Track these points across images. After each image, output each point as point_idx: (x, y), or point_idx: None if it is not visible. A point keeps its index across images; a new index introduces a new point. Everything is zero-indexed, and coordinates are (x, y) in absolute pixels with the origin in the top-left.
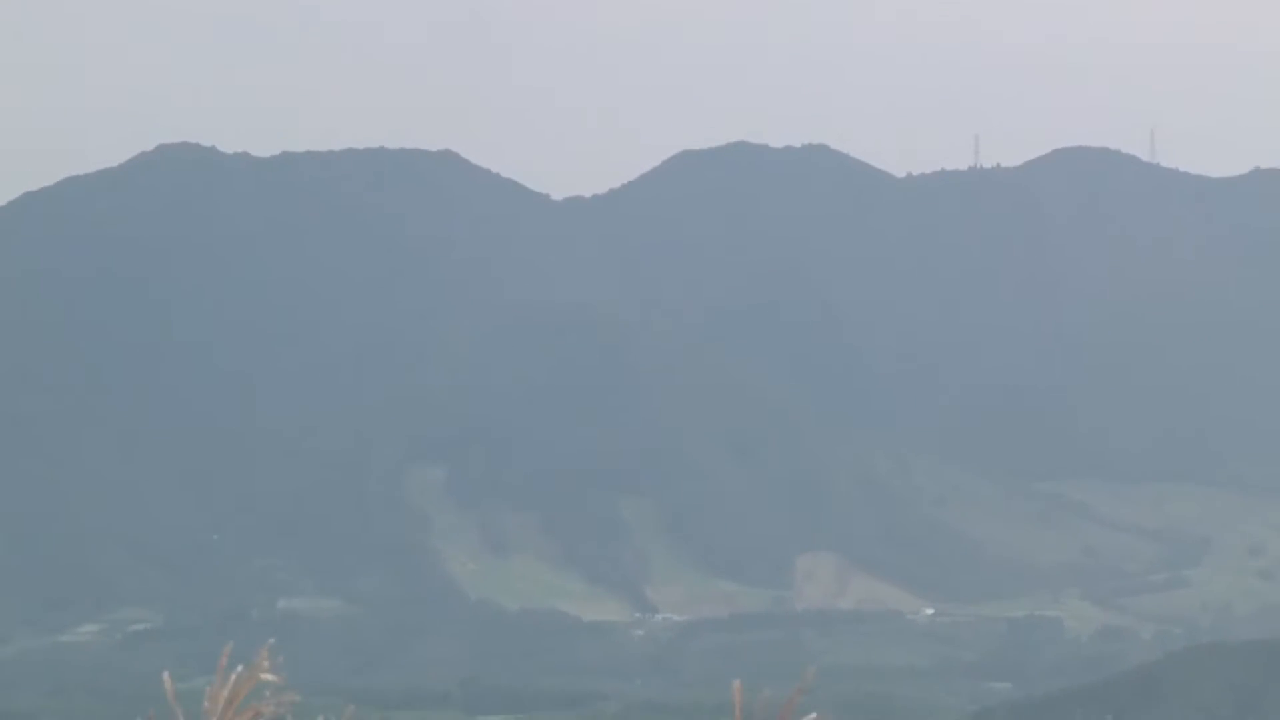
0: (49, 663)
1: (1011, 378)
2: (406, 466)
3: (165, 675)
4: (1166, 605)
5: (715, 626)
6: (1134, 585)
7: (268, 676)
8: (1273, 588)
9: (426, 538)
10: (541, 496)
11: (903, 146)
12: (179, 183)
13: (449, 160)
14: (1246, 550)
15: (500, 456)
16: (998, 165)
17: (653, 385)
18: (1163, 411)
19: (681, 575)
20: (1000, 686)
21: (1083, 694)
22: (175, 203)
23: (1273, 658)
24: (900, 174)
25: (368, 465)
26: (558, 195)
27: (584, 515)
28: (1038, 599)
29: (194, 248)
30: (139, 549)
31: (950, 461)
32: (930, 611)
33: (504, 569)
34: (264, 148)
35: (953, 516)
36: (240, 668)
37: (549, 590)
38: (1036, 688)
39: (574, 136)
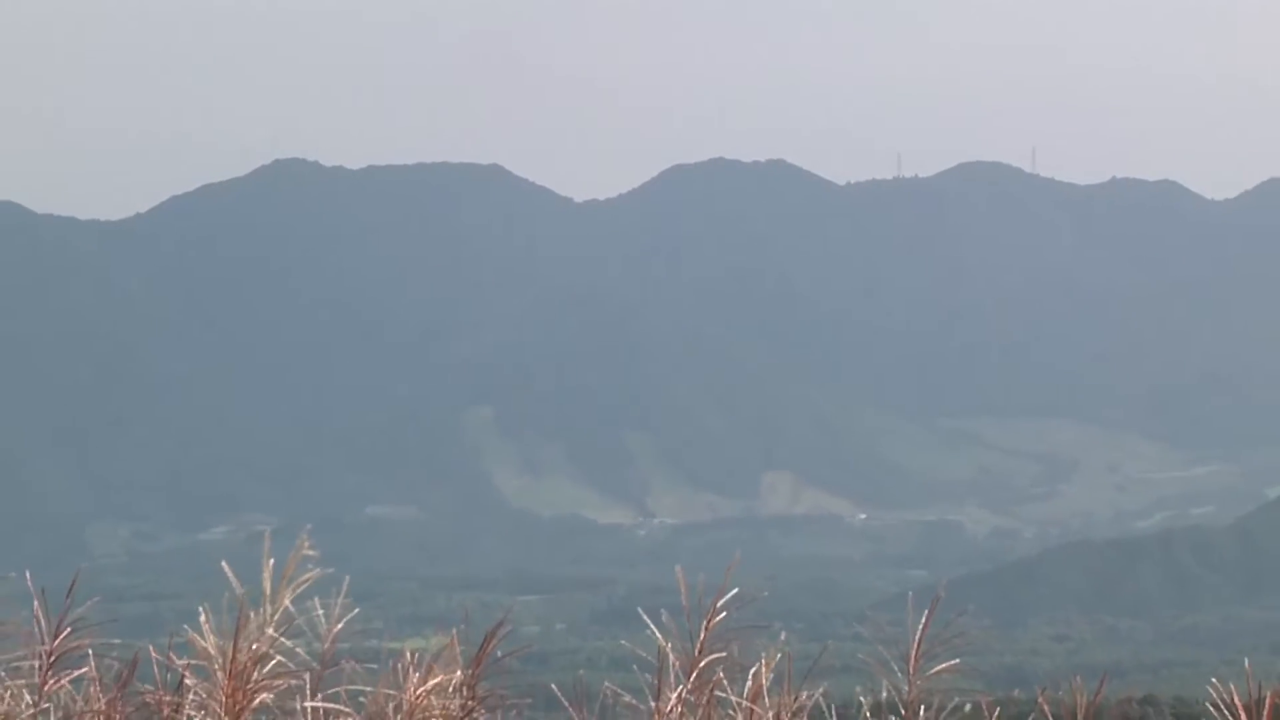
0: (190, 556)
1: (926, 338)
2: (464, 407)
3: (224, 563)
4: (1044, 512)
5: (700, 528)
6: (1019, 497)
7: (309, 552)
8: (1125, 498)
9: (479, 461)
10: (568, 430)
11: (843, 160)
12: (291, 189)
13: (497, 172)
14: (1106, 470)
15: (536, 400)
16: (915, 175)
17: (652, 347)
18: (1042, 363)
19: (674, 489)
20: (916, 573)
21: (979, 579)
22: (288, 205)
23: (1124, 552)
24: (841, 182)
25: (436, 406)
26: (579, 199)
27: (600, 444)
28: (945, 507)
29: (302, 241)
30: (261, 467)
31: (879, 402)
32: (863, 516)
33: (539, 485)
34: (355, 162)
35: (881, 444)
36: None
37: (573, 501)
38: (944, 574)
39: (590, 152)
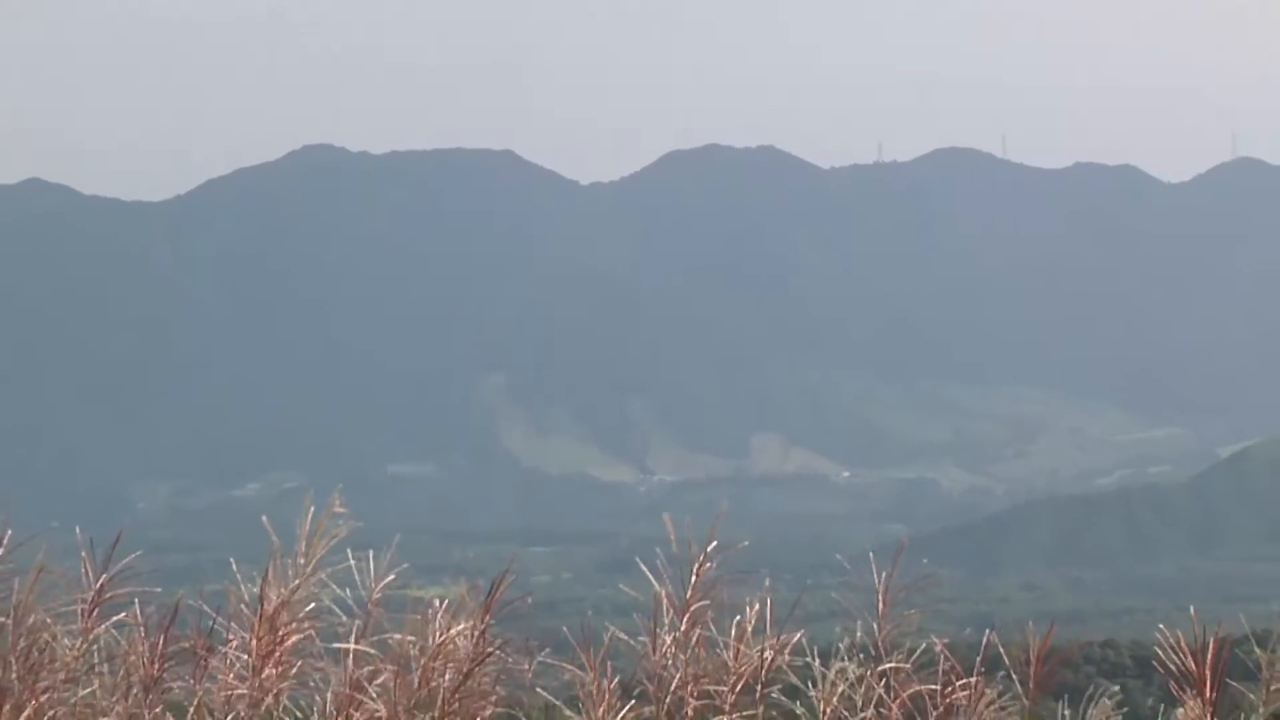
0: (226, 511)
1: (905, 311)
2: (479, 375)
3: (264, 518)
4: (1014, 471)
5: (695, 486)
6: (991, 457)
7: (340, 510)
8: (1086, 457)
9: (492, 424)
10: (574, 396)
11: (828, 147)
12: (319, 173)
13: (508, 157)
14: (1070, 432)
15: (545, 368)
16: (894, 161)
17: (652, 318)
18: (1011, 334)
19: (672, 449)
20: (895, 527)
21: (954, 532)
22: (317, 187)
23: (1087, 508)
24: (826, 167)
25: (452, 374)
26: (584, 182)
27: (604, 408)
28: (922, 466)
29: (330, 220)
30: (291, 430)
31: (862, 370)
32: (847, 475)
33: (547, 446)
34: (378, 148)
35: (863, 408)
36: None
37: (579, 460)
38: (922, 528)
39: (595, 139)
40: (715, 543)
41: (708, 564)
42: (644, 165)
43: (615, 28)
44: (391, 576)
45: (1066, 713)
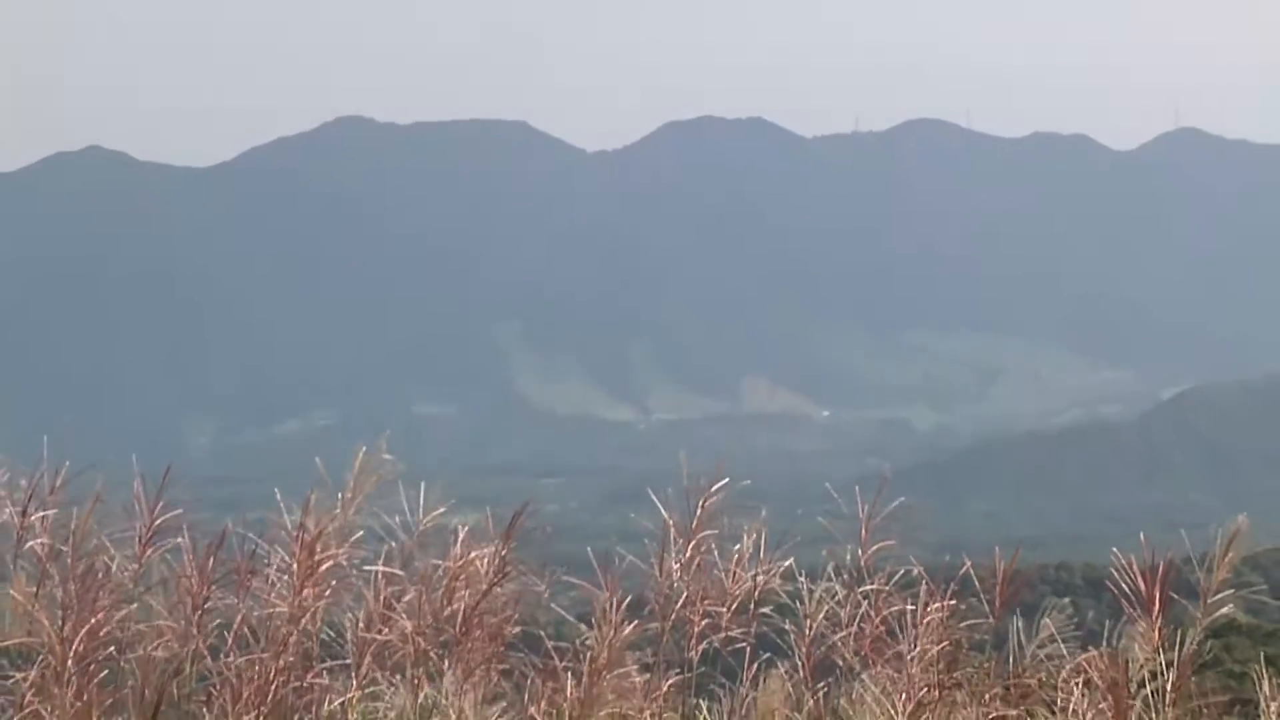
0: (265, 447)
1: (879, 265)
2: (496, 322)
3: (318, 460)
4: (979, 411)
5: (690, 424)
6: (958, 398)
7: (386, 456)
8: (1043, 399)
9: (508, 367)
10: (581, 342)
11: (810, 118)
12: (351, 141)
13: (521, 127)
14: (1029, 375)
15: (556, 316)
16: (870, 131)
17: (651, 271)
18: (975, 286)
19: (669, 391)
20: (871, 462)
21: (925, 466)
22: (347, 155)
23: (1045, 444)
24: (809, 136)
25: (472, 321)
26: (590, 150)
27: (608, 353)
28: (895, 407)
29: (360, 185)
30: (325, 373)
31: (841, 318)
32: (826, 414)
33: (557, 388)
34: (403, 119)
35: (842, 353)
36: (364, 449)
37: (586, 401)
38: (895, 463)
39: (600, 110)
40: (727, 479)
41: (713, 498)
42: (644, 135)
43: (616, 12)
44: (439, 510)
45: (1020, 624)
